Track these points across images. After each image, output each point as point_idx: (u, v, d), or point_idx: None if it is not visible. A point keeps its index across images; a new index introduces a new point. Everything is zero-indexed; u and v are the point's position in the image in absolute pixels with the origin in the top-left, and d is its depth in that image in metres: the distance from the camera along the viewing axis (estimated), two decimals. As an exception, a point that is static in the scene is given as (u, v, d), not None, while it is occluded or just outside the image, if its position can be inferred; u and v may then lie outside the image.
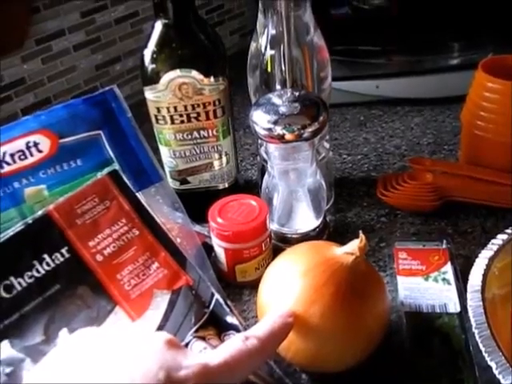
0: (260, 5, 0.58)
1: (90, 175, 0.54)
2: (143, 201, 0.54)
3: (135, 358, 0.32)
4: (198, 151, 0.63)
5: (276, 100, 0.54)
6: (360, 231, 0.46)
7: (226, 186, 0.67)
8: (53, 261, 0.51)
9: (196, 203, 0.67)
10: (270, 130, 0.53)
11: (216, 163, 0.65)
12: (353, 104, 0.90)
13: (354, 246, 0.45)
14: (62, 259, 0.52)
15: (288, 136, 0.53)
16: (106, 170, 0.54)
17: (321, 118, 0.54)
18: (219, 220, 0.57)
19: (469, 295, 0.47)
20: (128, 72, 0.96)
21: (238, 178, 0.69)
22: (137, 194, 0.55)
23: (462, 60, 0.88)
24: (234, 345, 0.36)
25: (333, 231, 0.64)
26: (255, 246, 0.57)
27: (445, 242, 0.59)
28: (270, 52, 0.59)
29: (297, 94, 0.54)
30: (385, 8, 0.94)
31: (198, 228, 0.62)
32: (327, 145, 0.67)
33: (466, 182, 0.65)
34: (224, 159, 0.64)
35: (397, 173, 0.69)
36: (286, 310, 0.42)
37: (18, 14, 0.80)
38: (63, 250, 0.52)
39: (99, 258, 0.52)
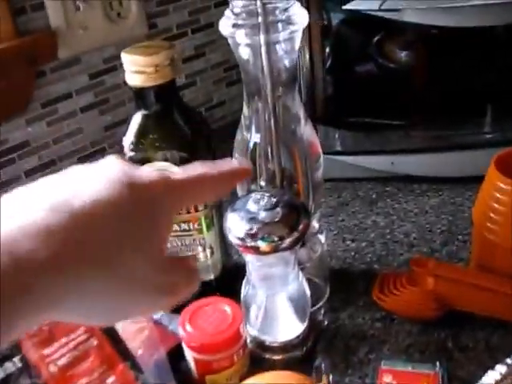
0: (244, 94, 0.55)
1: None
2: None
3: (95, 171, 0.31)
4: (180, 244, 0.60)
5: (252, 206, 0.50)
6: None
7: (212, 277, 0.63)
8: (4, 371, 0.49)
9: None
10: (244, 240, 0.49)
11: (200, 256, 0.61)
12: (367, 179, 0.85)
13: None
14: (13, 369, 0.49)
15: (264, 248, 0.49)
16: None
17: (300, 227, 0.50)
18: (188, 329, 0.53)
19: None
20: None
21: (226, 267, 0.65)
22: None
23: (486, 138, 0.82)
24: (195, 166, 0.36)
25: (319, 337, 0.59)
26: (226, 357, 0.53)
27: (438, 364, 0.53)
28: (255, 145, 0.55)
29: (275, 200, 0.50)
30: (410, 68, 0.88)
31: (173, 326, 0.59)
32: (323, 239, 0.62)
33: (471, 291, 0.58)
34: (208, 252, 0.61)
35: (396, 273, 0.64)
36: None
37: (22, 79, 0.79)
38: (15, 359, 0.50)
39: (53, 368, 0.49)
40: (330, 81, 0.83)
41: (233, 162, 0.41)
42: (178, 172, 0.35)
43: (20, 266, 0.25)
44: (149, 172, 0.32)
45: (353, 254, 0.71)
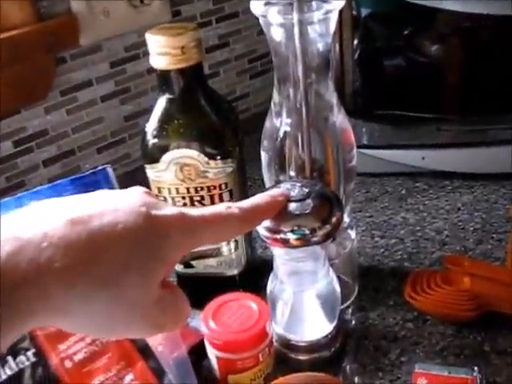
0: (275, 79, 0.52)
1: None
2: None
3: (118, 197, 0.33)
4: (203, 236, 0.57)
5: (282, 196, 0.47)
6: None
7: (235, 272, 0.60)
8: (17, 365, 0.46)
9: (201, 289, 0.60)
10: (272, 231, 0.46)
11: (223, 249, 0.58)
12: (396, 174, 0.81)
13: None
14: (27, 363, 0.47)
15: (294, 241, 0.46)
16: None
17: (333, 219, 0.47)
18: (212, 325, 0.50)
19: None
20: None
21: (250, 261, 0.62)
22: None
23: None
24: (216, 207, 0.36)
25: (348, 337, 0.56)
26: (250, 356, 0.50)
27: (476, 369, 0.50)
28: (285, 134, 0.52)
29: (306, 190, 0.47)
30: (442, 62, 0.85)
31: (195, 323, 0.56)
32: (353, 234, 0.59)
33: (509, 291, 0.55)
34: (232, 245, 0.58)
35: (429, 271, 0.60)
36: (279, 191, 0.43)
37: (42, 65, 0.77)
38: (29, 353, 0.47)
39: (68, 364, 0.47)
40: (359, 72, 0.80)
41: (262, 199, 0.40)
42: (197, 210, 0.35)
43: (40, 272, 0.27)
44: (168, 208, 0.33)
45: (382, 251, 0.68)
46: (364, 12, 0.85)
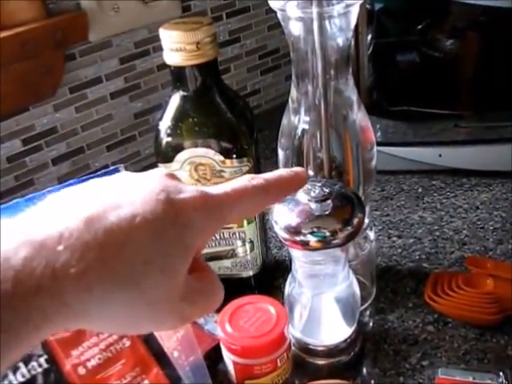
0: (293, 75, 0.50)
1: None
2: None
3: (136, 183, 0.31)
4: (218, 237, 0.56)
5: (302, 196, 0.45)
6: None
7: (251, 274, 0.59)
8: (29, 371, 0.45)
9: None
10: (292, 233, 0.44)
11: (239, 250, 0.57)
12: (412, 172, 0.80)
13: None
14: (39, 370, 0.45)
15: (314, 243, 0.44)
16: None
17: (355, 221, 0.45)
18: (228, 329, 0.48)
19: None
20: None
21: (266, 262, 0.60)
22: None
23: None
24: (238, 181, 0.34)
25: (367, 340, 0.55)
26: (268, 362, 0.48)
27: (502, 374, 0.48)
28: (303, 131, 0.51)
29: (327, 190, 0.45)
30: (457, 57, 0.83)
31: (210, 326, 0.54)
32: (372, 235, 0.58)
33: (534, 294, 0.54)
34: (247, 246, 0.56)
35: (450, 273, 0.59)
36: (299, 168, 0.40)
37: (51, 62, 0.75)
38: (42, 359, 0.46)
39: (81, 371, 0.45)
40: (373, 68, 0.78)
41: (285, 171, 0.38)
42: (220, 187, 0.33)
43: (56, 278, 0.26)
44: (189, 190, 0.31)
45: (400, 251, 0.67)
46: (378, 6, 0.84)
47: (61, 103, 0.79)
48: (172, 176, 0.33)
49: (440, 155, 0.77)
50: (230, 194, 0.33)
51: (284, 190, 0.37)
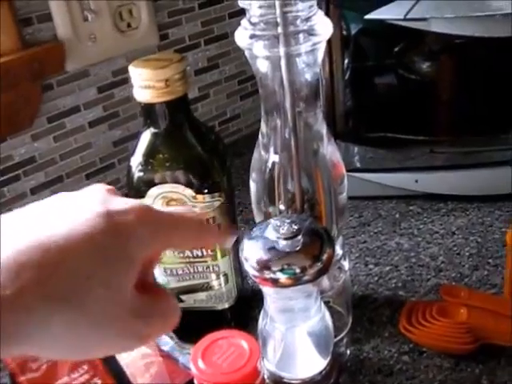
0: (262, 110, 0.51)
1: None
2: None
3: (76, 200, 0.30)
4: (192, 270, 0.56)
5: (271, 233, 0.46)
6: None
7: (226, 306, 0.59)
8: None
9: (192, 323, 0.59)
10: (262, 270, 0.45)
11: (213, 283, 0.57)
12: (389, 197, 0.80)
13: None
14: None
15: (284, 280, 0.44)
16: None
17: (325, 256, 0.45)
18: (201, 365, 0.48)
19: None
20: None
21: (241, 293, 0.60)
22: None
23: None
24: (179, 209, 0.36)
25: (343, 371, 0.55)
26: (242, 398, 0.48)
27: (475, 405, 0.48)
28: (274, 166, 0.51)
29: (296, 227, 0.46)
30: (434, 80, 0.84)
31: (185, 360, 0.54)
32: (346, 265, 0.58)
33: (508, 323, 0.54)
34: (222, 279, 0.57)
35: (425, 302, 0.59)
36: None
37: (29, 92, 0.75)
38: None
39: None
40: (350, 95, 0.79)
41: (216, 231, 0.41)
42: (165, 209, 0.33)
43: None
44: (128, 200, 0.31)
45: (376, 279, 0.67)
46: (354, 31, 0.84)
47: (39, 133, 0.79)
48: (113, 191, 0.32)
49: (416, 181, 0.78)
50: (173, 213, 0.33)
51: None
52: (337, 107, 0.77)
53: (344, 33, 0.78)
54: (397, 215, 0.77)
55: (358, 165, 0.79)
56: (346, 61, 0.78)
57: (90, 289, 0.27)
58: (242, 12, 0.48)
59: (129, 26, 0.81)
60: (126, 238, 0.29)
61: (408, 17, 0.66)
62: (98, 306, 0.28)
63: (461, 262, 0.68)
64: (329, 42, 0.72)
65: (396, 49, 0.87)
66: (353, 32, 0.81)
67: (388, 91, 0.85)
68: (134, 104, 0.86)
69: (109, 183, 0.85)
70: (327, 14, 0.69)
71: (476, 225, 0.74)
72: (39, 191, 0.81)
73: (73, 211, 0.29)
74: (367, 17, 0.69)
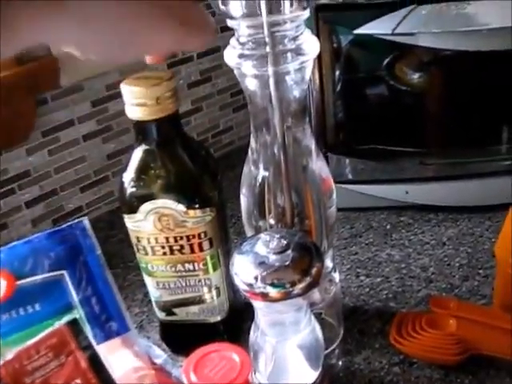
0: (251, 127, 0.51)
1: (49, 321, 0.49)
2: (103, 358, 0.47)
3: None
4: (184, 284, 0.56)
5: (261, 248, 0.46)
6: None
7: (219, 319, 0.59)
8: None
9: (184, 336, 0.60)
10: (252, 285, 0.45)
11: (205, 297, 0.57)
12: (380, 208, 0.81)
13: None
14: None
15: (274, 294, 0.45)
16: (64, 319, 0.48)
17: (313, 271, 0.46)
18: (193, 379, 0.49)
19: None
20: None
21: (233, 306, 0.61)
22: (99, 345, 0.48)
23: (505, 165, 0.78)
24: None
25: (334, 382, 0.56)
26: (233, 410, 0.49)
27: (463, 416, 0.49)
28: (263, 181, 0.52)
29: (285, 242, 0.46)
30: (423, 92, 0.85)
31: (177, 373, 0.55)
32: (337, 277, 0.59)
33: (496, 334, 0.55)
34: (214, 292, 0.57)
35: (415, 313, 0.60)
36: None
37: (23, 107, 0.76)
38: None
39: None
40: (341, 107, 0.80)
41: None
42: None
43: None
44: None
45: (367, 290, 0.68)
46: (344, 44, 0.85)
47: (34, 147, 0.79)
48: None
49: (407, 192, 0.79)
50: None
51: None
52: (327, 119, 0.78)
53: (334, 45, 0.79)
54: (388, 226, 0.78)
55: (349, 176, 0.80)
56: (337, 73, 0.79)
57: None
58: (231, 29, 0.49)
59: (122, 40, 0.82)
60: None
61: (396, 32, 0.67)
62: None
63: (451, 273, 0.69)
64: (319, 55, 0.74)
65: (386, 61, 0.88)
66: (343, 45, 0.82)
67: (378, 103, 0.86)
68: (127, 118, 0.86)
69: (103, 196, 0.86)
70: (317, 28, 0.70)
71: (466, 235, 0.75)
72: (34, 204, 0.82)
73: None
74: (356, 31, 0.70)
